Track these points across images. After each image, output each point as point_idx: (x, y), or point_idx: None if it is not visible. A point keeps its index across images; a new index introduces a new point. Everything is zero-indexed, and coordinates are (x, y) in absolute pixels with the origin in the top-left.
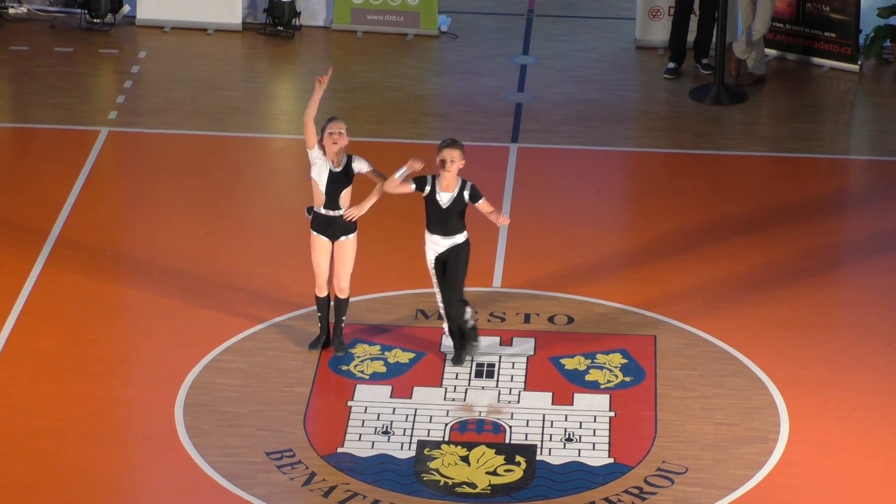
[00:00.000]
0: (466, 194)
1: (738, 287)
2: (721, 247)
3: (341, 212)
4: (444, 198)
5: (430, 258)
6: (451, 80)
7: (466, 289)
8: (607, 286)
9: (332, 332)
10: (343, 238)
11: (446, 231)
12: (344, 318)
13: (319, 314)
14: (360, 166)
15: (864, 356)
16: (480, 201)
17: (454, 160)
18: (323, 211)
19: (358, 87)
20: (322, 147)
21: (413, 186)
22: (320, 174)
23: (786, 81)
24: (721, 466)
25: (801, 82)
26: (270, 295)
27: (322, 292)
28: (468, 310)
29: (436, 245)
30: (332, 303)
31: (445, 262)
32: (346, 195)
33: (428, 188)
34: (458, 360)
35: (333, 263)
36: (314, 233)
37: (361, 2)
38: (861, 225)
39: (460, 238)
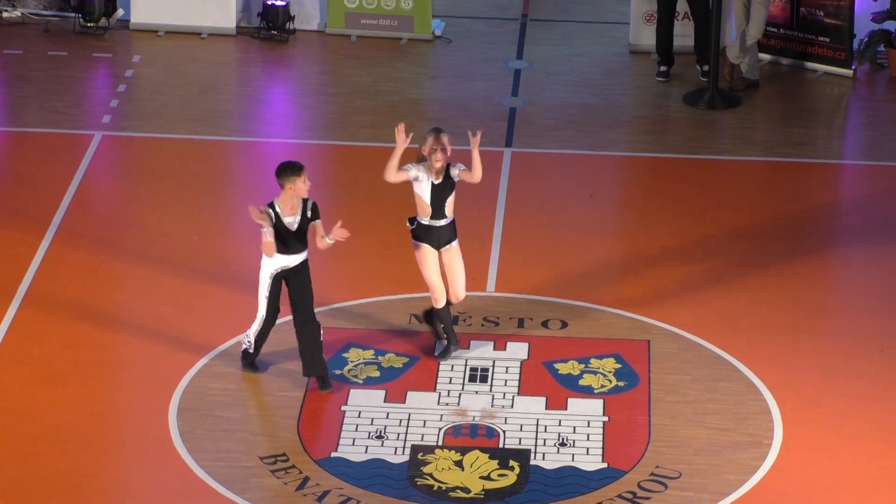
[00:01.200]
0: (310, 213)
1: (731, 292)
2: (715, 251)
3: (448, 220)
4: (290, 220)
5: (269, 274)
6: (444, 84)
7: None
8: (601, 291)
9: (446, 336)
10: (448, 246)
11: (292, 251)
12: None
13: (442, 325)
14: (456, 171)
15: (857, 362)
16: (317, 221)
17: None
18: (429, 221)
19: (352, 91)
20: (422, 159)
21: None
22: (423, 188)
23: (780, 86)
24: (714, 471)
25: (795, 87)
26: None
27: (440, 303)
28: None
29: (280, 263)
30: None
31: (288, 281)
32: (450, 202)
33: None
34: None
35: (446, 273)
36: (421, 244)
37: (355, 6)
38: (855, 230)
39: (304, 255)
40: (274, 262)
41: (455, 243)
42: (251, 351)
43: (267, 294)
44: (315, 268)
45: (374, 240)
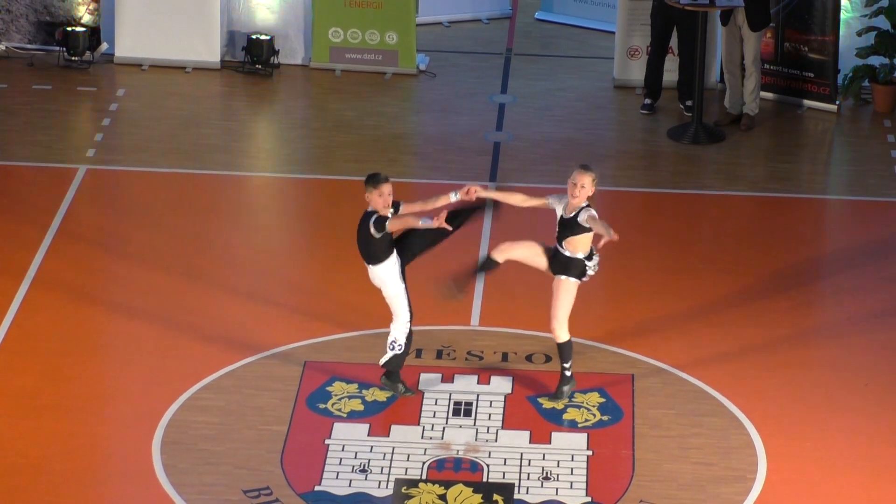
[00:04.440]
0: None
1: (715, 326)
2: (699, 286)
3: (566, 253)
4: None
5: (400, 274)
6: (429, 118)
7: (445, 327)
8: (585, 325)
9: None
10: (557, 277)
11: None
12: (564, 363)
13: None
14: (585, 216)
15: (841, 396)
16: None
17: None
18: (554, 247)
19: (336, 125)
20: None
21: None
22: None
23: (764, 121)
24: None
25: (780, 122)
26: (248, 333)
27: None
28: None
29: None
30: None
31: None
32: (571, 240)
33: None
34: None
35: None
36: None
37: (340, 40)
38: (839, 265)
39: None
40: (396, 264)
41: (563, 277)
42: (401, 352)
43: (406, 292)
44: (298, 300)
45: (358, 273)
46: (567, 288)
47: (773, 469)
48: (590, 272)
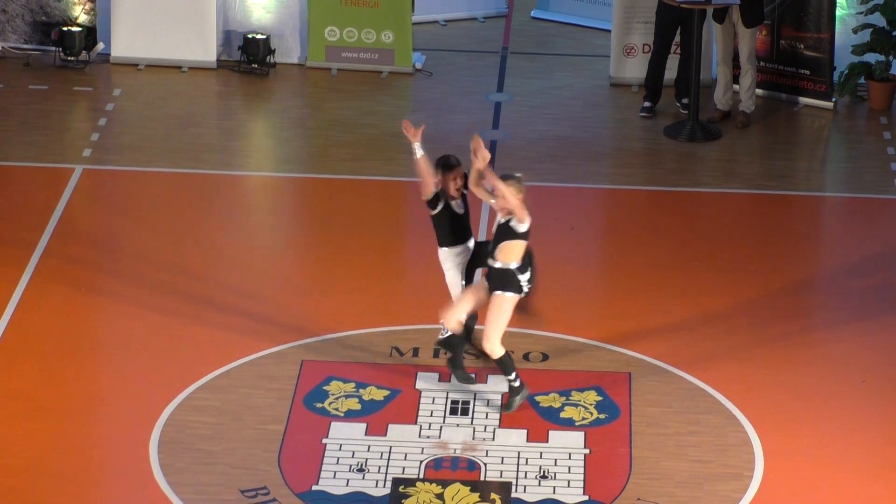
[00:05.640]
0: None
1: (712, 324)
2: (696, 284)
3: (497, 264)
4: (459, 204)
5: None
6: (425, 117)
7: (442, 326)
8: (582, 323)
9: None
10: (496, 292)
11: (465, 237)
12: (507, 376)
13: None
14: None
15: (838, 393)
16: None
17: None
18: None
19: (332, 124)
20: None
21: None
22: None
23: (760, 118)
24: None
25: (776, 119)
26: (244, 332)
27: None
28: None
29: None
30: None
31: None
32: (501, 247)
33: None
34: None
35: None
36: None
37: (336, 39)
38: (835, 262)
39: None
40: (454, 255)
41: (499, 293)
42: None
43: (462, 287)
44: (295, 299)
45: (355, 272)
46: (503, 306)
47: (770, 466)
48: (525, 287)
